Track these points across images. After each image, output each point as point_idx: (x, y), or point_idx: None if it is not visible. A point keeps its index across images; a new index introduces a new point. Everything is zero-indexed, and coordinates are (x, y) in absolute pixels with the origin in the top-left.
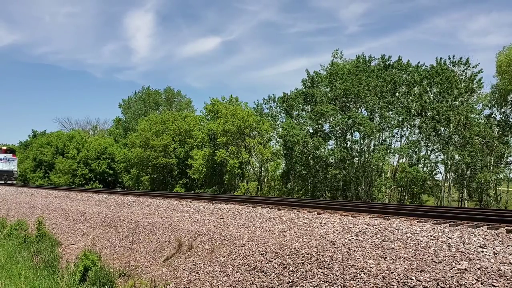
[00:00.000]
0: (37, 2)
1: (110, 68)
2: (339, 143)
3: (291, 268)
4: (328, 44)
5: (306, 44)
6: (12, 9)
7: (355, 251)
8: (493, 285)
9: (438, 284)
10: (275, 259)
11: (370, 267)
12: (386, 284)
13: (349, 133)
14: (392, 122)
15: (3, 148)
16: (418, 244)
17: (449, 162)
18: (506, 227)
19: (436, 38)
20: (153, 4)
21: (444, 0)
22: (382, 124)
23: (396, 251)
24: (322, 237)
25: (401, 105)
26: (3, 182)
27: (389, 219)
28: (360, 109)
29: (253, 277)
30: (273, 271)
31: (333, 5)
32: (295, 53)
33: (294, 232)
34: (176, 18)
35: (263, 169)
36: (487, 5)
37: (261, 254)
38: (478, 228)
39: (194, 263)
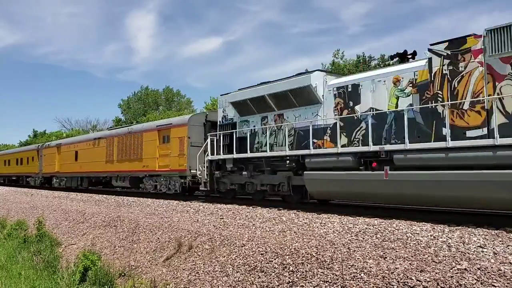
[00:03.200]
0: (39, 2)
1: (111, 68)
2: None
3: (291, 268)
4: (329, 44)
5: (308, 45)
6: (14, 9)
7: (355, 251)
8: (493, 285)
9: (438, 284)
10: (275, 259)
11: (370, 267)
12: (386, 284)
13: None
14: None
15: None
16: (418, 244)
17: None
18: (506, 227)
19: (438, 38)
20: (155, 5)
21: (446, 0)
22: None
23: (396, 251)
24: (322, 237)
25: None
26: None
27: (389, 219)
28: None
29: (253, 277)
30: (273, 271)
31: (334, 6)
32: (297, 53)
33: (294, 232)
34: (177, 19)
35: None
36: (489, 5)
37: (261, 254)
38: (478, 228)
39: (194, 263)
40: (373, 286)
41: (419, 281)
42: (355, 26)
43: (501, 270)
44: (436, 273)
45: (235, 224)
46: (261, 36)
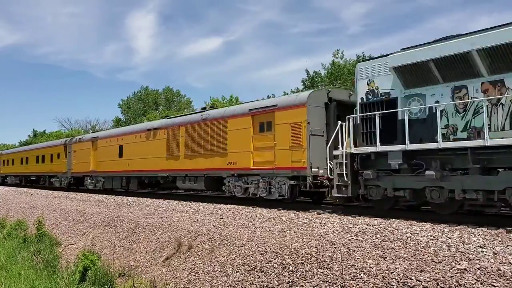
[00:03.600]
0: (39, 2)
1: (111, 68)
2: None
3: (290, 268)
4: (329, 44)
5: (308, 45)
6: (14, 9)
7: (354, 251)
8: (493, 285)
9: (438, 284)
10: (274, 259)
11: (370, 267)
12: (386, 284)
13: None
14: None
15: None
16: (418, 244)
17: None
18: (506, 227)
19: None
20: (155, 5)
21: (445, 1)
22: None
23: (396, 251)
24: (322, 237)
25: None
26: None
27: (389, 219)
28: None
29: (252, 277)
30: (272, 271)
31: (334, 6)
32: (297, 53)
33: (294, 232)
34: (178, 19)
35: None
36: (488, 5)
37: (261, 254)
38: (478, 228)
39: (193, 263)
40: (373, 286)
41: (419, 281)
42: (355, 26)
43: (500, 270)
44: (436, 273)
45: (235, 224)
46: (261, 36)
